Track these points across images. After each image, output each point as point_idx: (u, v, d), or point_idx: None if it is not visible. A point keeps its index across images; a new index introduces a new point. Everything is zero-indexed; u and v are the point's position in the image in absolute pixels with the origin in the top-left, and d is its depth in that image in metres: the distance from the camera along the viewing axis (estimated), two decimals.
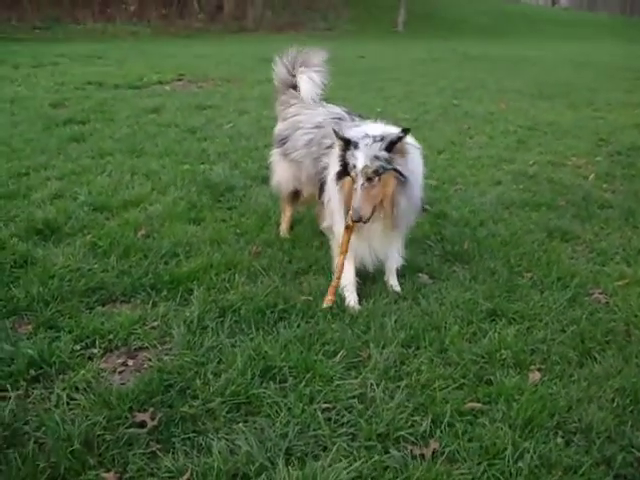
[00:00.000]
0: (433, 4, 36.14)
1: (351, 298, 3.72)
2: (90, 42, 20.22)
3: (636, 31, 37.79)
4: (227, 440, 2.58)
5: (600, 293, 3.98)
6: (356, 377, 2.99)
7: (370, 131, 3.52)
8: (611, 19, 43.79)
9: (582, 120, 9.67)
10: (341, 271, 3.66)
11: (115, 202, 5.05)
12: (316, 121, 4.22)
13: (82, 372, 2.97)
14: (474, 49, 21.88)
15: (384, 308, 3.57)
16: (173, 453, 2.53)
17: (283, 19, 29.16)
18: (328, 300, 3.60)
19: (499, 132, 8.52)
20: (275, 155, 4.49)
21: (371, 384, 2.93)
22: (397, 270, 3.95)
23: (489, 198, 5.62)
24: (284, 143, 4.36)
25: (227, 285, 3.76)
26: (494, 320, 3.56)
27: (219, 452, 2.49)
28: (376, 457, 2.50)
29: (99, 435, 2.58)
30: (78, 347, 3.17)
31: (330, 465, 2.43)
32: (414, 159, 3.63)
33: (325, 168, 3.88)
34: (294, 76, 4.55)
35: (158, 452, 2.54)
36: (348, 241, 3.62)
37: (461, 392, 2.94)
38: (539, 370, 3.15)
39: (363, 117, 4.20)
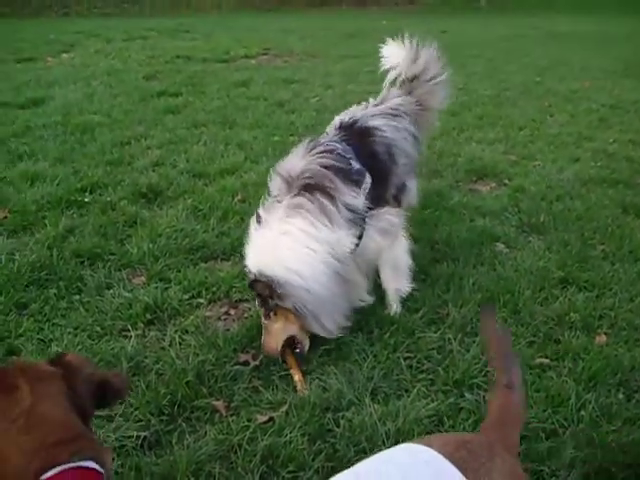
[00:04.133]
0: None
1: None
2: (176, 16, 20.75)
3: None
4: (320, 380, 2.92)
5: None
6: (435, 331, 3.29)
7: (250, 265, 3.13)
8: None
9: None
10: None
11: (212, 170, 5.45)
12: None
13: (191, 318, 3.38)
14: (561, 25, 21.46)
15: (462, 272, 3.85)
16: (273, 389, 2.88)
17: None
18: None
19: (581, 110, 8.53)
20: None
21: (449, 338, 3.23)
22: (398, 297, 3.49)
23: (567, 174, 5.76)
24: None
25: None
26: (565, 287, 3.79)
27: (313, 389, 2.85)
28: (452, 399, 2.81)
29: (208, 370, 2.96)
30: (186, 297, 3.57)
31: (411, 404, 2.75)
32: (298, 284, 3.02)
33: None
34: None
35: (260, 387, 2.90)
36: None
37: (531, 349, 3.20)
38: (606, 334, 3.37)
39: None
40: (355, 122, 3.67)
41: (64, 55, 11.57)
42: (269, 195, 3.31)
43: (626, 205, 5.06)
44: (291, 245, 3.06)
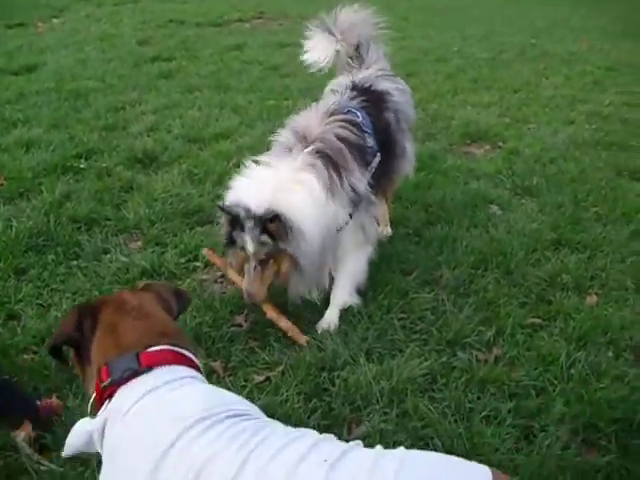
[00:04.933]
0: None
1: None
2: None
3: None
4: (315, 340, 2.98)
5: None
6: (429, 293, 3.34)
7: (253, 201, 2.83)
8: None
9: None
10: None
11: (207, 134, 5.45)
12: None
13: (188, 281, 3.42)
14: None
15: (455, 234, 3.89)
16: (269, 349, 2.94)
17: None
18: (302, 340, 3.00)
19: (576, 72, 8.52)
20: None
21: (442, 299, 3.29)
22: (341, 306, 3.24)
23: (561, 137, 5.79)
24: None
25: None
26: (557, 248, 3.85)
27: (309, 348, 2.90)
28: (445, 359, 2.87)
29: (206, 332, 3.01)
30: (183, 260, 3.61)
31: (405, 363, 2.80)
32: (307, 234, 2.85)
33: None
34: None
35: (256, 348, 2.96)
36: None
37: (523, 310, 3.26)
38: (597, 294, 3.44)
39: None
40: (370, 85, 3.54)
41: (55, 20, 11.44)
42: (275, 144, 3.19)
43: (620, 167, 5.09)
44: (305, 197, 2.89)
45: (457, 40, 10.60)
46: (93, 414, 1.59)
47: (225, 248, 3.10)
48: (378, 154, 3.25)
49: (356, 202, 3.07)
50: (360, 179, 3.07)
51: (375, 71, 3.73)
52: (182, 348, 1.67)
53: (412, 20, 12.68)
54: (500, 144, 5.61)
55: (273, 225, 2.79)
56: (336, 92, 3.56)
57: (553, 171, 4.96)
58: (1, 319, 3.07)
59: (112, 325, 1.67)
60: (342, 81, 3.69)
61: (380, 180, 3.32)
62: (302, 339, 2.97)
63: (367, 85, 3.55)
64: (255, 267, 2.92)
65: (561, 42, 10.68)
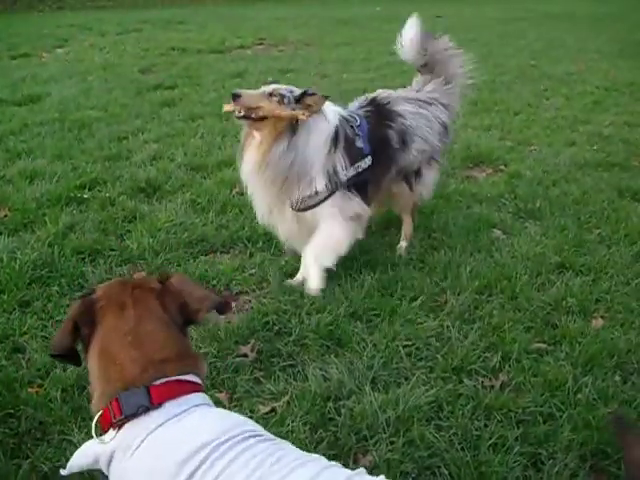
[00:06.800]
0: None
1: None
2: (170, 7, 20.75)
3: None
4: (320, 369, 2.96)
5: None
6: (434, 319, 3.33)
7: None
8: None
9: None
10: None
11: (209, 162, 5.48)
12: None
13: None
14: (556, 7, 21.36)
15: (459, 259, 3.89)
16: (274, 379, 2.92)
17: None
18: None
19: (576, 93, 8.57)
20: None
21: (447, 325, 3.28)
22: (313, 263, 3.63)
23: (563, 158, 5.81)
24: None
25: None
26: (562, 272, 3.84)
27: (314, 378, 2.88)
28: (451, 386, 2.85)
29: (211, 363, 2.99)
30: None
31: (411, 391, 2.79)
32: (316, 135, 3.47)
33: None
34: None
35: (261, 378, 2.94)
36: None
37: (529, 334, 3.24)
38: (602, 317, 3.43)
39: None
40: (387, 103, 3.83)
41: (59, 50, 11.57)
42: None
43: (622, 188, 5.10)
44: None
45: None
46: (98, 435, 1.56)
47: None
48: (368, 158, 3.59)
49: (333, 182, 3.48)
50: (342, 165, 3.49)
51: (413, 94, 3.99)
52: (185, 371, 1.60)
53: None
54: (502, 167, 5.63)
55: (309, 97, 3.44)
56: (357, 99, 3.93)
57: (556, 193, 4.97)
58: (6, 352, 3.05)
59: (110, 354, 1.59)
60: (375, 93, 3.99)
61: (369, 185, 3.67)
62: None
63: (384, 102, 3.84)
64: (264, 92, 3.41)
65: (559, 63, 10.72)
